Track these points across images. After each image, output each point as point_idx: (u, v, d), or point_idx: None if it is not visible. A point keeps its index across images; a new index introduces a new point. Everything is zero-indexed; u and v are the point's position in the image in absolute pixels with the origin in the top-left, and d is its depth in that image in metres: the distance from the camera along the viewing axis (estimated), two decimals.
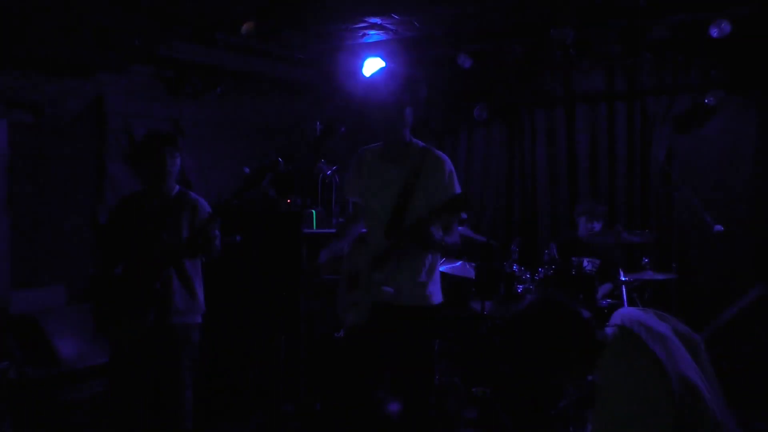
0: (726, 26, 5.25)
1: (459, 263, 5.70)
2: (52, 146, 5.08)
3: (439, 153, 3.37)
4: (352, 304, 3.37)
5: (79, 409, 4.50)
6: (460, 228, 5.47)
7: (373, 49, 6.18)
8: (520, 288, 5.17)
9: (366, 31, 5.77)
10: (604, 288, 5.26)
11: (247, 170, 4.86)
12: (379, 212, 3.36)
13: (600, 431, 2.15)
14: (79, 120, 5.22)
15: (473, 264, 5.57)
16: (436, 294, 3.40)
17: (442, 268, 5.55)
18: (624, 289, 4.76)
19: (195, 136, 6.07)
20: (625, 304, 4.75)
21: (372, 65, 6.18)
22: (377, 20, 5.44)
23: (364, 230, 3.60)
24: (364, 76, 6.04)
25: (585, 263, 4.95)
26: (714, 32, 5.30)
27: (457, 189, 3.34)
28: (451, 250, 3.32)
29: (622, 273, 4.81)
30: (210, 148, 6.24)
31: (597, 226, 5.56)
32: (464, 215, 4.98)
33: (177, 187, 3.86)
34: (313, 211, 5.43)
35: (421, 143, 3.42)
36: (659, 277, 5.04)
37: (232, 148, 6.48)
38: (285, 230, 5.38)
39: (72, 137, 5.20)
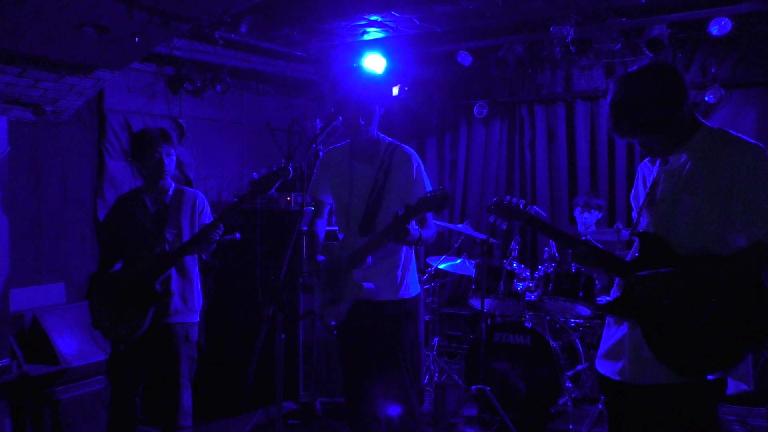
0: (726, 24, 5.25)
1: (459, 261, 5.71)
2: (52, 143, 5.07)
3: (407, 148, 3.43)
4: (330, 302, 3.42)
5: (80, 406, 4.51)
6: (459, 225, 5.49)
7: (373, 46, 6.17)
8: (519, 286, 5.18)
9: (366, 29, 5.76)
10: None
11: (255, 175, 4.86)
12: (353, 210, 3.42)
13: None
14: (79, 117, 5.22)
15: (473, 262, 5.57)
16: (413, 286, 3.48)
17: (441, 266, 5.57)
18: None
19: (195, 133, 6.07)
20: None
21: (371, 61, 6.18)
22: (377, 17, 5.44)
23: (332, 228, 3.66)
24: (361, 72, 6.05)
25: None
26: (713, 30, 5.31)
27: (426, 182, 3.40)
28: (427, 243, 3.37)
29: None
30: (210, 146, 6.24)
31: (590, 217, 5.57)
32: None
33: (173, 184, 3.87)
34: (313, 209, 5.42)
35: (388, 139, 3.48)
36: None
37: (232, 146, 6.49)
38: (284, 228, 5.39)
39: (71, 135, 5.20)
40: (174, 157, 3.81)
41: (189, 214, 3.81)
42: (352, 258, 3.32)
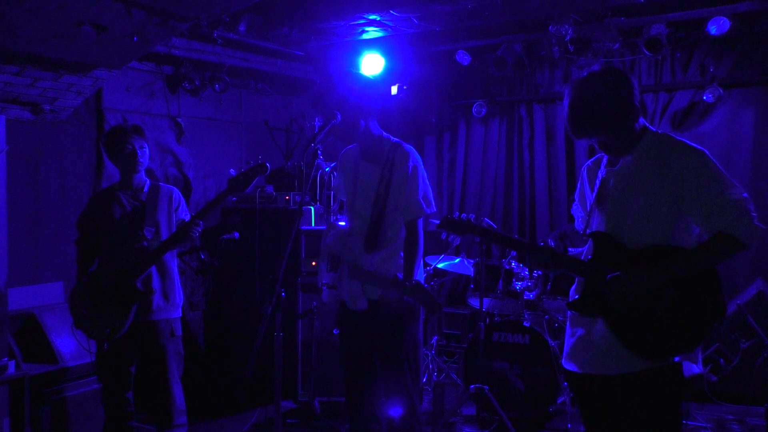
0: (724, 23, 5.25)
1: (458, 260, 5.71)
2: (50, 142, 5.07)
3: (407, 147, 3.46)
4: (329, 286, 3.47)
5: (78, 405, 4.50)
6: None
7: (372, 45, 6.17)
8: (518, 285, 5.18)
9: (364, 28, 5.76)
10: None
11: (233, 172, 4.87)
12: (361, 210, 3.44)
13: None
14: (77, 116, 5.21)
15: (471, 261, 5.58)
16: None
17: (440, 265, 5.57)
18: None
19: (193, 132, 6.07)
20: None
21: (369, 61, 6.18)
22: (376, 17, 5.44)
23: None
24: (353, 74, 6.05)
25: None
26: (712, 29, 5.31)
27: (422, 183, 3.42)
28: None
29: None
30: (208, 145, 6.24)
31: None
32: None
33: (148, 180, 3.88)
34: (312, 208, 5.43)
35: (393, 138, 3.49)
36: None
37: (231, 145, 6.48)
38: (283, 227, 5.38)
39: (70, 134, 5.19)
40: (147, 150, 3.83)
41: (166, 211, 3.83)
42: (355, 269, 3.35)
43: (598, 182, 2.72)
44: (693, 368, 2.56)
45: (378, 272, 3.33)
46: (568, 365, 2.71)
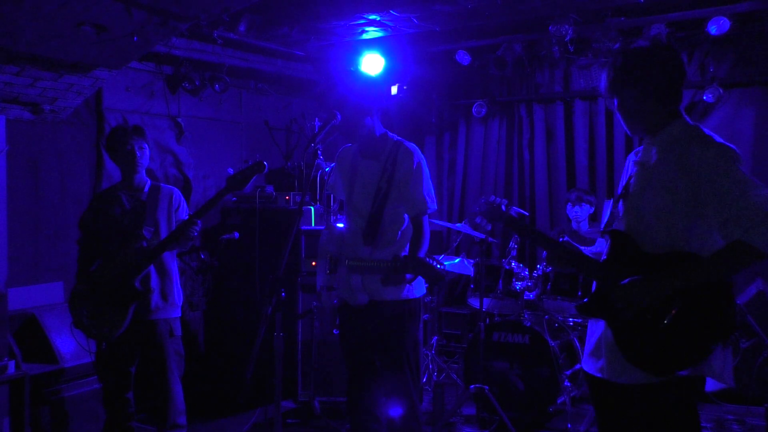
0: (724, 23, 5.25)
1: (458, 260, 5.71)
2: (50, 143, 5.06)
3: (410, 145, 3.45)
4: (328, 288, 3.48)
5: (78, 405, 4.50)
6: (458, 225, 5.49)
7: (372, 45, 6.17)
8: (518, 285, 5.18)
9: (364, 28, 5.76)
10: None
11: (231, 171, 4.87)
12: (360, 206, 3.44)
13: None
14: (77, 116, 5.21)
15: (472, 261, 5.57)
16: (418, 287, 3.45)
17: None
18: None
19: (193, 132, 6.06)
20: None
21: (369, 61, 6.18)
22: (376, 17, 5.44)
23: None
24: (354, 77, 6.05)
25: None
26: (712, 29, 5.31)
27: (426, 182, 3.40)
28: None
29: None
30: (208, 145, 6.24)
31: (582, 211, 5.59)
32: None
33: (149, 180, 3.89)
34: (312, 208, 5.43)
35: (395, 137, 3.49)
36: None
37: (231, 145, 6.48)
38: (283, 227, 5.38)
39: (70, 134, 5.19)
40: (147, 151, 3.86)
41: (166, 210, 3.84)
42: (354, 262, 3.35)
43: (627, 175, 2.57)
44: (720, 384, 2.40)
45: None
46: (586, 366, 2.61)
